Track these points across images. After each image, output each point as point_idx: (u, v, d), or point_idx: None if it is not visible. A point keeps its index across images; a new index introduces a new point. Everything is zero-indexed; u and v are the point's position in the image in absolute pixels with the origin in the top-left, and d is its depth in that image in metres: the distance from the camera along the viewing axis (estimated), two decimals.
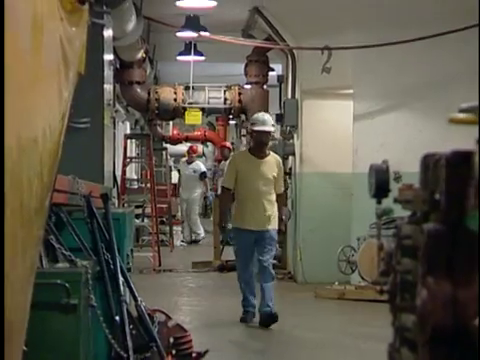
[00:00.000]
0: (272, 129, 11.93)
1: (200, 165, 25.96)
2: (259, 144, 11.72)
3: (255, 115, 12.19)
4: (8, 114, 4.88)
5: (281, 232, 12.71)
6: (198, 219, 25.41)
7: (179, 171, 26.27)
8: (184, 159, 26.22)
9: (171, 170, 27.86)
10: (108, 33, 10.86)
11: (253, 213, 11.53)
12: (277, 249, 18.13)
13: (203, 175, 25.26)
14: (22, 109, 5.06)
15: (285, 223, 12.75)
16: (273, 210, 11.64)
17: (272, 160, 11.85)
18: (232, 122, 27.53)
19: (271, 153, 12.02)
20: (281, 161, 12.27)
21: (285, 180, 14.58)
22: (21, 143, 5.03)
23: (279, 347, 10.19)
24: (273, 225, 11.60)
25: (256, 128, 11.65)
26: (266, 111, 19.35)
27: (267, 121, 11.71)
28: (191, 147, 26.08)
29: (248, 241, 11.53)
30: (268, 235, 11.50)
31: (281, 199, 12.10)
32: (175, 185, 26.99)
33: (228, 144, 25.52)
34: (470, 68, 12.40)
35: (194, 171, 25.00)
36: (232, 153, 22.35)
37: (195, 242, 24.32)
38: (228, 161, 13.47)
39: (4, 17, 4.66)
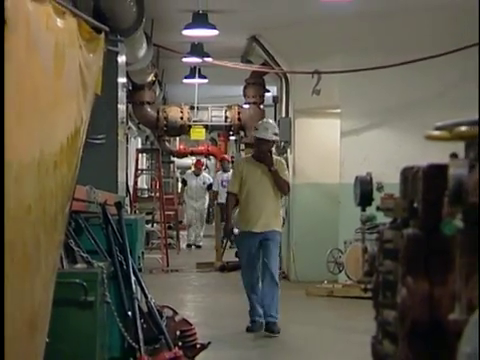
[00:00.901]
0: (273, 138, 10.70)
1: (208, 177, 26.04)
2: (260, 151, 10.67)
3: (260, 121, 11.33)
4: (34, 131, 4.90)
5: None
6: (203, 225, 25.50)
7: (183, 181, 26.21)
8: (191, 171, 26.20)
9: (178, 181, 27.83)
10: (122, 59, 10.87)
11: (256, 215, 10.52)
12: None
13: (210, 186, 25.33)
14: (45, 127, 5.07)
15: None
16: (277, 212, 10.78)
17: (274, 162, 10.73)
18: (232, 138, 27.48)
19: (273, 156, 11.04)
20: (281, 159, 11.52)
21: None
22: (44, 157, 5.04)
23: (275, 339, 10.18)
24: (277, 226, 10.69)
25: (256, 135, 10.69)
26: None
27: (269, 129, 10.62)
28: (198, 161, 26.09)
29: (252, 244, 10.51)
30: (272, 236, 10.52)
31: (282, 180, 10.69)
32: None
33: (227, 157, 25.48)
34: (446, 91, 12.45)
35: (203, 183, 25.08)
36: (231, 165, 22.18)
37: (199, 246, 24.25)
38: (233, 166, 12.75)
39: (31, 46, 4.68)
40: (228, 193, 11.19)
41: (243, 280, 10.72)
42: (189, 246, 24.13)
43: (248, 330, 10.31)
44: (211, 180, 25.70)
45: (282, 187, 10.61)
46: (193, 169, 25.98)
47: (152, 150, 25.33)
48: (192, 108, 19.68)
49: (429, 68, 12.78)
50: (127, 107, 13.79)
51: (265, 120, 11.69)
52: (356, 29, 13.69)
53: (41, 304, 5.38)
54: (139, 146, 28.02)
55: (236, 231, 11.39)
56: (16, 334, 4.89)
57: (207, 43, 15.71)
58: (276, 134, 10.75)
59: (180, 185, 26.69)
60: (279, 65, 15.92)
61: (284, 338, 10.10)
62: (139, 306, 7.83)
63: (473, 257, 3.23)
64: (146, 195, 24.50)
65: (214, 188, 22.98)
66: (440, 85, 12.93)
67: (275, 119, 17.93)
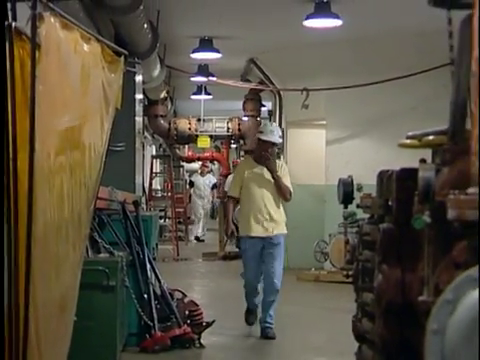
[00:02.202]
0: (278, 141, 9.22)
1: (212, 178, 26.17)
2: (262, 154, 8.95)
3: (263, 123, 9.78)
4: (63, 139, 4.90)
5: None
6: (206, 221, 25.59)
7: (190, 182, 26.20)
8: (198, 172, 26.25)
9: (186, 182, 27.84)
10: (139, 78, 10.89)
11: (258, 219, 8.88)
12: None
13: (214, 186, 25.40)
14: (73, 136, 5.08)
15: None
16: (279, 215, 9.09)
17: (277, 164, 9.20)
18: (233, 146, 27.45)
19: (277, 161, 9.38)
20: (284, 163, 9.74)
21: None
22: (72, 162, 5.05)
23: None
24: (280, 230, 9.07)
25: (262, 137, 9.00)
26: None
27: (274, 132, 9.04)
28: (204, 164, 26.11)
29: (255, 249, 8.90)
30: (275, 241, 8.96)
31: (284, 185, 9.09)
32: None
33: (238, 161, 25.39)
34: (417, 105, 12.45)
35: (209, 182, 25.19)
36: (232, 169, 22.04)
37: (202, 241, 24.14)
38: (235, 169, 10.68)
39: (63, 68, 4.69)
40: (228, 197, 9.61)
41: (245, 284, 9.24)
42: (197, 239, 24.08)
43: (246, 321, 9.31)
44: (215, 180, 25.80)
45: (284, 194, 9.10)
46: (199, 171, 26.06)
47: (165, 156, 25.27)
48: (199, 120, 19.70)
49: (403, 86, 12.77)
50: (143, 119, 13.75)
51: (269, 122, 10.40)
52: (339, 52, 13.70)
53: (69, 288, 5.39)
54: (154, 153, 28.02)
55: (236, 233, 9.79)
56: (48, 314, 4.89)
57: (212, 64, 15.72)
58: (281, 137, 9.38)
59: (188, 186, 26.66)
60: (273, 83, 15.93)
61: (279, 316, 10.07)
62: (153, 290, 7.84)
63: (438, 248, 3.23)
64: (159, 195, 24.52)
65: (226, 188, 23.01)
66: (412, 100, 12.92)
67: None
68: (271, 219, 8.93)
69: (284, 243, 9.09)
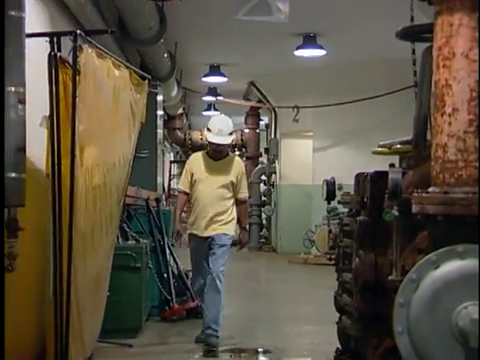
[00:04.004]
0: (227, 142, 6.58)
1: None
2: (213, 151, 6.60)
3: (212, 119, 6.86)
4: (99, 148, 4.91)
5: (240, 243, 6.97)
6: None
7: None
8: None
9: None
10: (160, 97, 10.88)
11: (205, 218, 6.52)
12: (262, 236, 16.98)
13: None
14: (108, 144, 5.09)
15: (242, 246, 7.00)
16: (228, 216, 6.57)
17: (231, 162, 6.67)
18: (237, 152, 27.42)
19: (230, 154, 6.86)
20: (242, 164, 6.92)
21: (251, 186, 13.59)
22: (106, 167, 5.06)
23: (267, 293, 10.18)
24: (225, 230, 6.55)
25: (210, 139, 6.55)
26: (257, 148, 19.44)
27: (223, 130, 6.52)
28: None
29: (200, 247, 6.55)
30: (219, 240, 6.48)
31: (243, 208, 6.81)
32: None
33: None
34: (387, 120, 12.43)
35: None
36: None
37: None
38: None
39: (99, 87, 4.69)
40: (178, 191, 7.23)
41: (192, 286, 7.20)
42: None
43: (197, 340, 6.51)
44: None
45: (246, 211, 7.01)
46: None
47: (181, 161, 25.23)
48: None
49: (375, 104, 12.74)
50: (163, 131, 13.78)
51: (218, 117, 7.20)
52: (323, 77, 13.69)
53: (103, 268, 5.40)
54: (172, 158, 27.98)
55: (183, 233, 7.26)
56: (86, 289, 4.90)
57: (219, 86, 15.73)
58: (231, 133, 6.65)
59: None
60: (269, 102, 15.92)
61: (273, 292, 10.08)
62: (172, 270, 7.83)
63: (405, 236, 3.23)
64: (176, 193, 24.47)
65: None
66: (382, 116, 12.89)
67: (267, 139, 17.95)
68: (217, 219, 6.56)
69: (229, 244, 6.64)
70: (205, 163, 6.67)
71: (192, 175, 6.66)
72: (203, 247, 6.56)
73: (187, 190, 6.72)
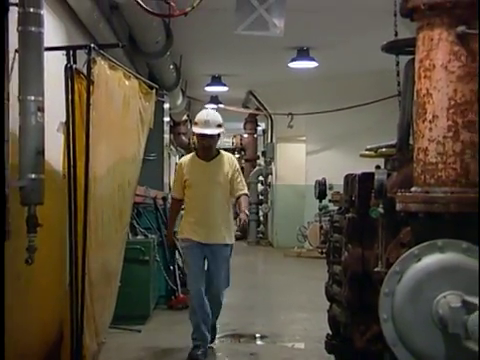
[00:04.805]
0: (215, 132, 5.62)
1: None
2: (201, 148, 5.68)
3: (199, 113, 5.79)
4: (111, 151, 4.91)
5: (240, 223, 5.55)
6: None
7: None
8: None
9: None
10: (166, 105, 10.88)
11: (202, 223, 5.53)
12: (260, 232, 16.78)
13: None
14: (119, 148, 5.09)
15: (243, 225, 5.56)
16: (226, 219, 5.60)
17: (223, 160, 5.71)
18: (237, 155, 27.45)
19: (222, 152, 5.78)
20: (235, 159, 5.91)
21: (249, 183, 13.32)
22: (117, 168, 5.06)
23: (264, 283, 10.18)
24: (226, 239, 5.58)
25: (196, 131, 5.64)
26: (255, 151, 19.42)
27: (210, 121, 5.60)
28: None
29: (198, 254, 5.52)
30: (220, 252, 5.56)
31: (243, 200, 5.63)
32: None
33: None
34: (373, 126, 12.42)
35: None
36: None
37: None
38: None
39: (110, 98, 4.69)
40: (171, 199, 6.10)
41: (190, 293, 5.68)
42: None
43: (189, 357, 5.46)
44: None
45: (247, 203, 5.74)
46: None
47: None
48: None
49: (362, 111, 12.74)
50: (169, 136, 13.77)
51: (205, 111, 5.96)
52: (315, 86, 13.68)
53: (115, 261, 5.40)
54: (177, 161, 27.92)
55: (179, 242, 6.44)
56: (99, 280, 4.90)
57: (220, 95, 15.71)
58: (220, 125, 5.67)
59: None
60: (266, 109, 15.89)
61: (269, 283, 10.09)
62: (177, 263, 7.83)
63: (389, 232, 3.23)
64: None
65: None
66: (369, 122, 12.87)
67: (264, 143, 17.92)
68: (216, 223, 5.56)
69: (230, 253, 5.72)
70: (196, 165, 5.68)
71: (185, 180, 5.64)
72: (201, 254, 5.55)
73: (180, 197, 5.71)
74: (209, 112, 5.92)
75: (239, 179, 5.72)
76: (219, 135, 5.70)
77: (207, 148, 5.66)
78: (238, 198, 5.67)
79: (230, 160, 5.78)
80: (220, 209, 5.60)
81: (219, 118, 5.75)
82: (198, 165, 5.69)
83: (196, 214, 5.59)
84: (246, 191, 5.76)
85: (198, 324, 5.53)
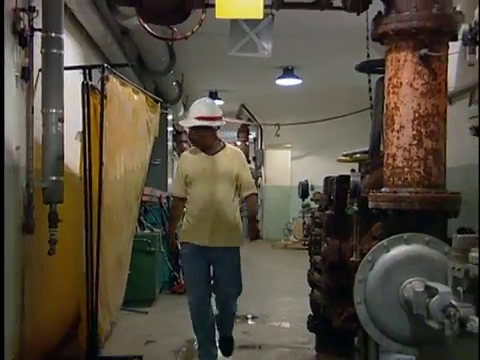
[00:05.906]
0: (205, 123, 4.31)
1: None
2: (193, 142, 4.47)
3: (193, 104, 4.40)
4: (122, 157, 4.89)
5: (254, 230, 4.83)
6: None
7: None
8: None
9: None
10: (170, 117, 10.88)
11: (205, 225, 4.29)
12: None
13: None
14: (128, 154, 5.08)
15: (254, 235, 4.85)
16: (233, 219, 4.38)
17: (229, 154, 4.47)
18: None
19: (227, 145, 4.56)
20: (242, 154, 4.66)
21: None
22: (127, 171, 5.05)
23: (254, 271, 10.11)
24: (234, 242, 4.47)
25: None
26: (246, 156, 19.12)
27: (202, 111, 4.34)
28: None
29: (199, 261, 4.30)
30: (227, 256, 4.43)
31: (250, 199, 4.48)
32: None
33: None
34: (349, 134, 12.43)
35: None
36: None
37: None
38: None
39: (121, 108, 4.68)
40: (173, 198, 4.54)
41: (189, 307, 4.37)
42: None
43: None
44: None
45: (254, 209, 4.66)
46: None
47: None
48: None
49: (340, 122, 12.72)
50: (172, 144, 13.73)
51: (197, 101, 4.47)
52: (299, 101, 13.71)
53: (125, 251, 5.39)
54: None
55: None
56: (111, 268, 4.89)
57: None
58: (214, 118, 4.45)
59: None
60: (257, 120, 15.88)
61: (259, 271, 10.04)
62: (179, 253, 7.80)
63: (363, 227, 3.24)
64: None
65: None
66: (346, 131, 12.88)
67: (254, 150, 17.91)
68: (223, 226, 4.35)
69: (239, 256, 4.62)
70: (199, 159, 4.37)
71: (186, 176, 4.36)
72: (204, 259, 4.34)
73: (183, 195, 4.39)
74: (200, 100, 4.47)
75: (245, 176, 4.41)
76: (211, 127, 4.34)
77: (199, 142, 4.35)
78: (246, 198, 4.45)
79: (237, 155, 4.47)
80: (225, 208, 4.31)
81: (216, 108, 4.49)
82: (199, 159, 4.37)
83: (200, 214, 4.30)
84: (255, 190, 4.51)
85: (202, 341, 4.40)
